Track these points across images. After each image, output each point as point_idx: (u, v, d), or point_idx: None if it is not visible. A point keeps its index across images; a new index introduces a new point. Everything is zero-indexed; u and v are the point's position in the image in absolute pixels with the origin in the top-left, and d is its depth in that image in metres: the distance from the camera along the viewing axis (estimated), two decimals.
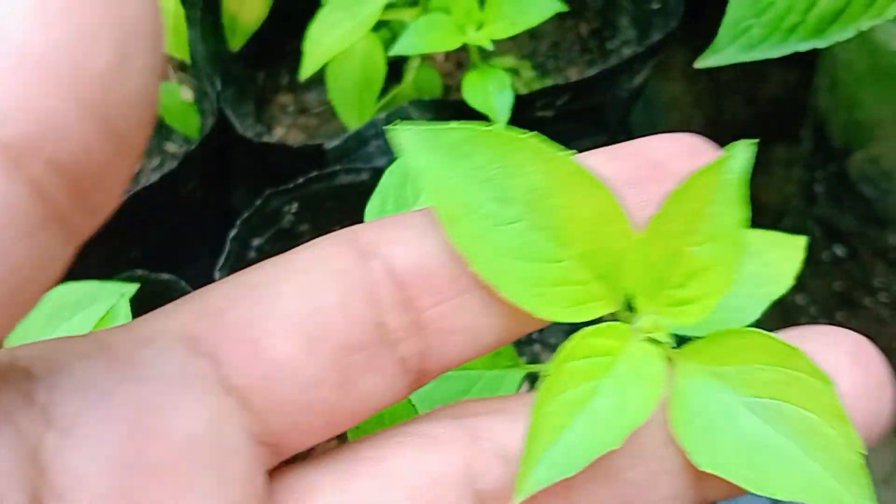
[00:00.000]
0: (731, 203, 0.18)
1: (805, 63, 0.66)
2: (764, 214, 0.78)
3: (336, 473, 0.19)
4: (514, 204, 0.19)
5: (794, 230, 0.82)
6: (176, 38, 0.44)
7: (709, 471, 0.19)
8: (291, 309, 0.18)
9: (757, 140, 0.19)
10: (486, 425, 0.19)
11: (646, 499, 0.19)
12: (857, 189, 0.58)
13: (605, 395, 0.19)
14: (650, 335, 0.20)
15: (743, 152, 0.18)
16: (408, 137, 0.19)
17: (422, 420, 0.20)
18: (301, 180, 0.49)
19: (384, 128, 0.20)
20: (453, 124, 0.19)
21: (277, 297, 0.18)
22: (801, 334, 0.19)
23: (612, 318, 0.21)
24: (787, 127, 0.76)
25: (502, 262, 0.19)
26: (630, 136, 0.78)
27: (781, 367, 0.19)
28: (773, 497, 0.18)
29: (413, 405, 0.26)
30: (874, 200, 0.57)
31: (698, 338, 0.20)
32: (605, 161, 0.19)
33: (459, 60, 0.62)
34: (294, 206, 0.49)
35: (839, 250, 0.64)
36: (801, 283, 0.85)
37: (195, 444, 0.16)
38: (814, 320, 0.72)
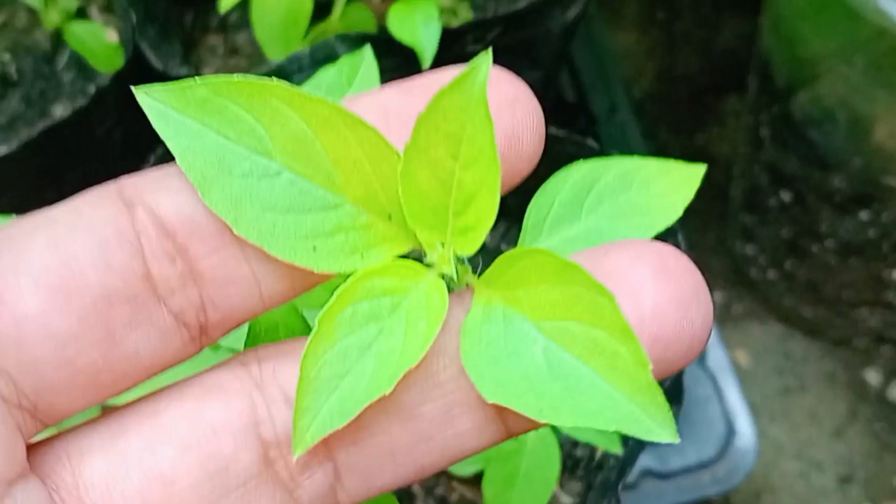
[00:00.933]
0: (483, 122, 0.17)
1: (758, 12, 0.64)
2: (716, 166, 0.77)
3: (107, 433, 0.18)
4: (277, 154, 0.18)
5: (741, 177, 0.80)
6: None
7: (497, 402, 0.17)
8: (40, 261, 0.17)
9: (490, 47, 0.17)
10: (272, 370, 0.18)
11: (444, 434, 0.18)
12: (801, 131, 0.57)
13: (391, 336, 0.18)
14: (442, 270, 0.19)
15: (482, 64, 0.17)
16: (152, 99, 0.17)
17: (209, 370, 0.19)
18: None
19: (131, 87, 0.18)
20: (200, 79, 0.17)
21: (27, 249, 0.17)
22: (605, 250, 0.18)
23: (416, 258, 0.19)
24: (739, 77, 0.75)
25: (269, 219, 0.17)
26: (579, 86, 0.76)
27: (565, 284, 0.17)
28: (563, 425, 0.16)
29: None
30: (817, 142, 0.56)
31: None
32: (398, 96, 0.18)
33: None
34: None
35: (786, 196, 0.62)
36: (749, 232, 0.84)
37: None
38: (763, 271, 0.71)
